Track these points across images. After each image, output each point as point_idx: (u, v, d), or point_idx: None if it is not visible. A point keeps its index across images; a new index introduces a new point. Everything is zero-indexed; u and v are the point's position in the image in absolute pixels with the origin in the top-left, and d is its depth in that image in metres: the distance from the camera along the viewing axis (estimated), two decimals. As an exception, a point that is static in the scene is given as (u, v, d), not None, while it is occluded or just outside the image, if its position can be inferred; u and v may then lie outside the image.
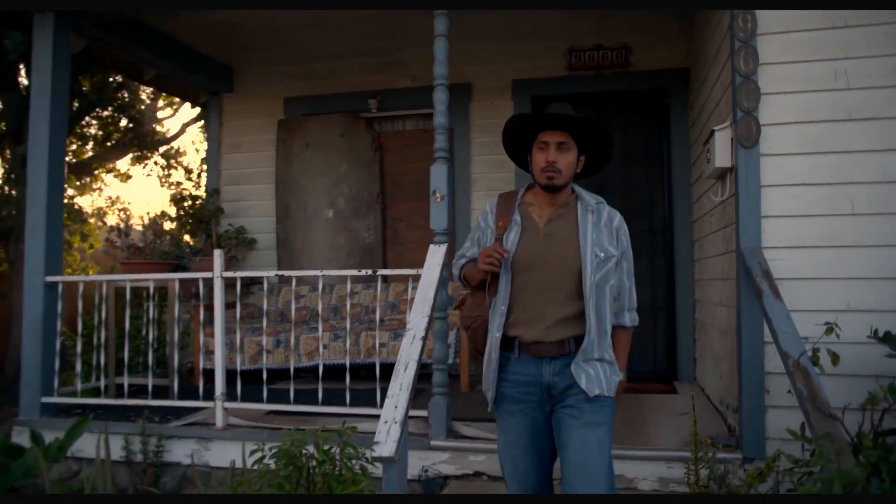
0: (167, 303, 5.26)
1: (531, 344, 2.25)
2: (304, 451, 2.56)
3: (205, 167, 10.86)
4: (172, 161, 12.73)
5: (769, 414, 3.35)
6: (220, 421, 4.11)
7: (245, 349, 5.09)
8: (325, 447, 2.55)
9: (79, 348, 4.59)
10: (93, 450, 4.06)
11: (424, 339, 3.20)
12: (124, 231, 5.59)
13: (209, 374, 4.38)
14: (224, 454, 3.99)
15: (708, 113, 4.51)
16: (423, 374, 4.13)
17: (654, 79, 5.75)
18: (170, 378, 4.59)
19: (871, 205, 3.32)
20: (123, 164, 13.34)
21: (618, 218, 2.37)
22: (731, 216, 3.66)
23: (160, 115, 12.32)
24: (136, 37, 5.40)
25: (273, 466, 2.56)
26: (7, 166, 9.34)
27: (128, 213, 12.69)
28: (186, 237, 6.36)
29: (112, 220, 12.29)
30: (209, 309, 4.38)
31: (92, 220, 11.53)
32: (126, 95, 10.70)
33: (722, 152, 3.68)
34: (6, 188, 9.29)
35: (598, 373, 2.23)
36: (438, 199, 3.77)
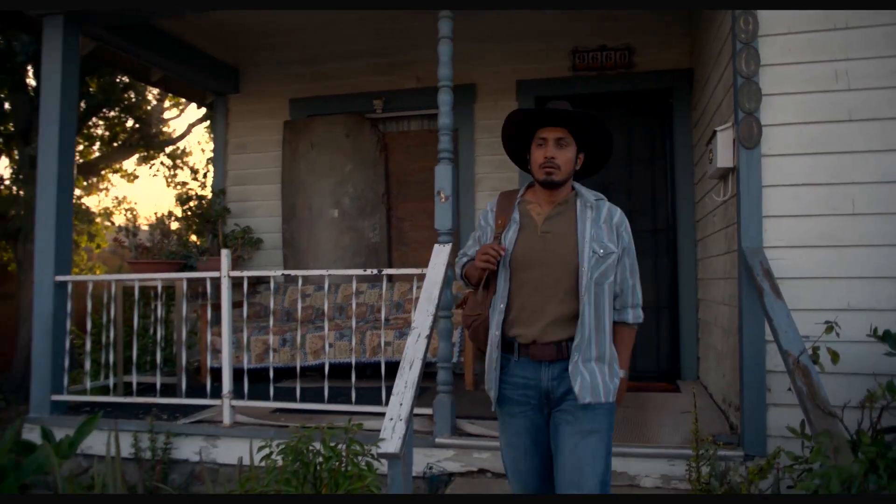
0: (174, 302, 5.31)
1: (529, 345, 2.24)
2: (310, 448, 2.60)
3: (210, 167, 10.94)
4: (178, 161, 12.79)
5: (770, 412, 3.38)
6: (227, 418, 4.16)
7: (251, 348, 5.14)
8: (332, 444, 2.59)
9: (88, 347, 4.63)
10: (102, 447, 4.13)
11: (429, 337, 3.24)
12: (132, 231, 5.64)
13: (216, 373, 4.42)
14: (231, 451, 4.04)
15: (710, 113, 4.54)
16: (428, 372, 4.18)
17: (657, 79, 5.78)
18: (177, 376, 4.64)
19: (871, 205, 3.36)
20: (130, 164, 13.43)
21: (618, 214, 2.34)
22: (733, 216, 3.70)
23: (166, 115, 12.39)
24: (143, 39, 5.46)
25: (280, 463, 2.60)
26: (15, 167, 9.41)
27: (134, 213, 12.74)
28: (193, 237, 6.41)
29: (119, 220, 12.35)
30: (216, 308, 4.43)
31: (99, 221, 11.59)
32: (133, 96, 10.77)
33: (724, 153, 3.71)
34: (14, 188, 9.36)
35: (594, 377, 2.19)
36: (443, 200, 3.81)
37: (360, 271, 4.26)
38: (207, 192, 7.27)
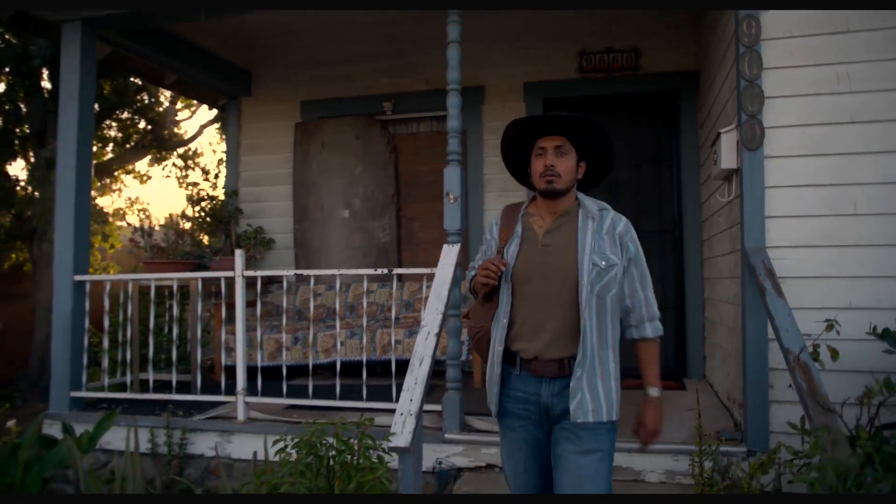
0: (188, 301, 5.42)
1: (531, 360, 2.20)
2: (324, 442, 2.70)
3: (221, 168, 11.06)
4: (190, 162, 12.93)
5: (773, 408, 3.45)
6: (241, 415, 4.25)
7: (264, 346, 5.24)
8: (344, 438, 2.68)
9: (106, 345, 4.74)
10: (119, 442, 4.24)
11: (438, 335, 3.33)
12: (148, 231, 5.75)
13: (229, 370, 4.52)
14: (245, 446, 4.14)
15: (716, 115, 4.61)
16: (437, 370, 4.27)
17: (664, 81, 5.84)
18: (192, 374, 4.74)
19: (872, 205, 3.42)
20: (142, 165, 13.57)
21: (622, 224, 2.26)
22: (737, 216, 3.76)
23: (178, 116, 12.53)
24: (157, 43, 5.57)
25: (294, 457, 2.69)
26: (30, 168, 9.56)
27: (147, 213, 12.91)
28: (204, 238, 6.51)
29: (132, 220, 12.51)
30: (230, 307, 4.52)
31: (112, 221, 11.74)
32: (146, 98, 10.92)
33: (728, 154, 3.78)
34: (29, 189, 9.51)
35: (596, 395, 2.14)
36: (452, 201, 3.89)
37: (370, 271, 4.35)
38: (218, 193, 7.38)
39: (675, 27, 5.72)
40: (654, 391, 2.26)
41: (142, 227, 5.76)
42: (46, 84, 8.98)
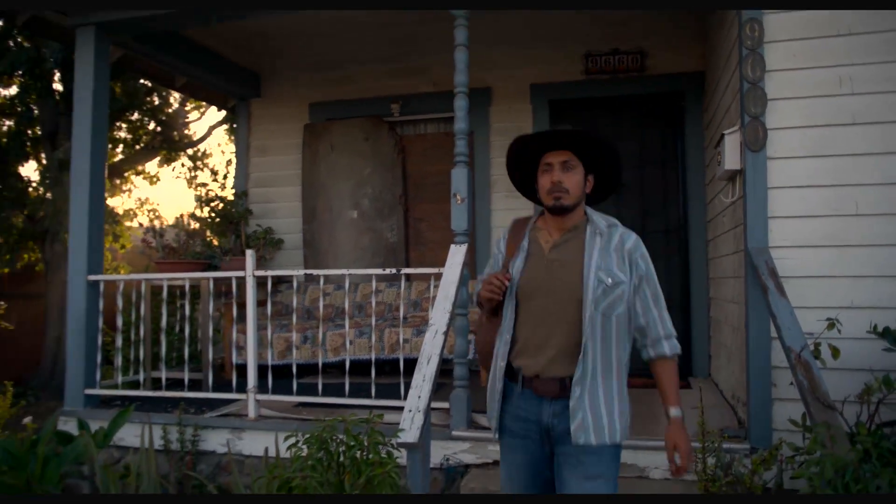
0: (199, 300, 5.50)
1: (533, 378, 2.15)
2: (334, 437, 2.76)
3: (230, 169, 11.15)
4: (199, 163, 13.03)
5: (776, 406, 3.50)
6: (252, 412, 4.33)
7: (274, 345, 5.31)
8: (354, 433, 2.74)
9: (119, 343, 4.83)
10: (132, 439, 4.33)
11: (446, 334, 3.39)
12: (159, 232, 5.84)
13: (240, 369, 4.60)
14: (256, 443, 4.21)
15: (720, 116, 4.65)
16: (445, 369, 4.32)
17: (669, 82, 5.89)
18: (203, 372, 4.82)
19: (873, 206, 3.47)
20: (151, 166, 13.68)
21: (631, 241, 2.20)
22: (741, 217, 3.81)
23: (188, 118, 12.64)
24: (169, 47, 5.67)
25: (306, 452, 2.76)
26: (42, 169, 9.67)
27: (157, 213, 13.01)
28: (210, 236, 6.59)
29: (143, 220, 12.61)
30: (240, 306, 4.60)
31: (123, 222, 11.85)
32: (155, 99, 11.02)
33: (731, 155, 3.83)
34: (41, 190, 9.62)
35: (598, 416, 2.09)
36: (459, 202, 3.96)
37: (379, 271, 4.42)
38: (227, 193, 7.46)
39: (681, 29, 5.77)
40: (675, 411, 2.19)
41: (153, 228, 5.84)
42: (58, 86, 9.09)
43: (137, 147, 11.54)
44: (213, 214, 6.47)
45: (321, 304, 4.60)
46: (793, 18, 3.60)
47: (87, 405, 4.66)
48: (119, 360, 4.87)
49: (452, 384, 3.98)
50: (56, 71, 8.86)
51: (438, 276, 3.85)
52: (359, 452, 2.72)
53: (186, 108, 12.28)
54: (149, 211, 13.12)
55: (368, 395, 4.20)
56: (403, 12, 5.66)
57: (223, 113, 11.11)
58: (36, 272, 9.75)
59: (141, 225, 7.08)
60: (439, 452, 3.87)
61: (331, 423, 2.77)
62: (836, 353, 3.00)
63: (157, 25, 4.83)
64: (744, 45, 3.61)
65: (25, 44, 8.36)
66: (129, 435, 4.36)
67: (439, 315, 3.49)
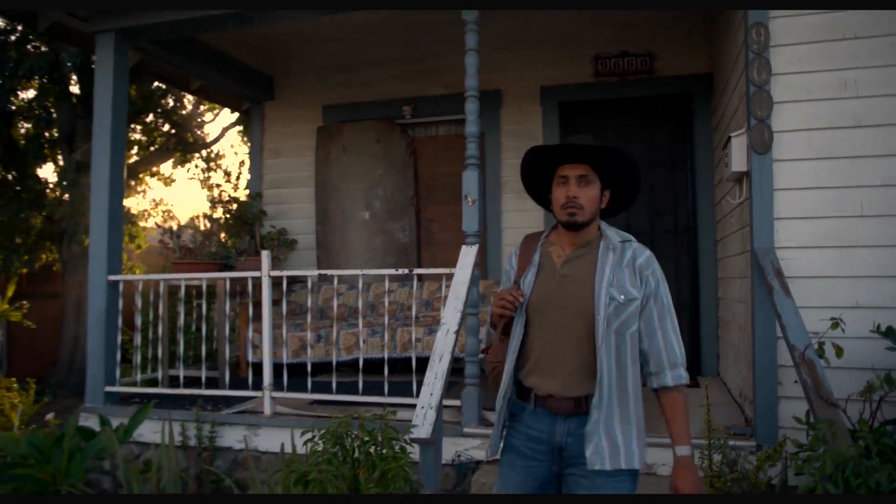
0: (215, 300, 5.61)
1: (546, 398, 2.06)
2: (349, 433, 2.85)
3: (243, 170, 11.26)
4: (212, 164, 13.17)
5: (781, 404, 3.55)
6: (268, 409, 4.42)
7: (288, 344, 5.40)
8: (368, 429, 2.83)
9: (138, 342, 4.94)
10: (151, 435, 4.44)
11: (457, 333, 3.47)
12: (176, 233, 5.95)
13: (255, 367, 4.69)
14: (272, 439, 4.31)
15: (728, 118, 4.71)
16: (456, 367, 4.39)
17: (678, 84, 5.94)
18: (220, 370, 4.93)
19: (877, 207, 3.53)
20: (166, 167, 13.83)
21: (644, 256, 2.10)
22: (748, 218, 3.87)
23: (201, 119, 12.77)
24: (185, 51, 5.78)
25: (321, 447, 2.84)
26: (60, 171, 9.82)
27: (171, 214, 13.17)
28: (225, 237, 6.70)
29: (157, 221, 12.76)
30: (256, 305, 4.69)
31: (139, 222, 12.00)
32: (170, 102, 11.16)
33: (738, 157, 3.89)
34: (58, 192, 9.77)
35: (614, 439, 1.99)
36: (470, 203, 4.03)
37: (391, 271, 4.50)
38: (240, 194, 7.57)
39: (689, 31, 5.82)
40: (683, 450, 2.04)
41: (171, 229, 5.96)
42: (75, 90, 9.24)
43: (152, 149, 11.69)
44: (227, 215, 6.58)
45: (335, 303, 4.69)
46: (798, 23, 3.66)
47: (107, 402, 4.77)
48: (138, 359, 4.98)
49: (464, 382, 4.06)
50: (73, 75, 9.00)
51: (450, 277, 3.93)
52: (373, 448, 2.80)
53: (200, 111, 12.42)
54: (163, 212, 13.27)
55: (381, 393, 4.27)
56: (416, 16, 5.74)
57: (236, 114, 11.25)
58: (53, 272, 9.89)
59: (157, 225, 7.20)
60: (451, 448, 3.95)
61: (346, 419, 2.86)
62: (839, 352, 3.06)
63: (175, 30, 4.92)
64: (750, 49, 3.67)
65: (44, 48, 8.51)
66: (148, 431, 4.47)
67: (451, 314, 3.56)
